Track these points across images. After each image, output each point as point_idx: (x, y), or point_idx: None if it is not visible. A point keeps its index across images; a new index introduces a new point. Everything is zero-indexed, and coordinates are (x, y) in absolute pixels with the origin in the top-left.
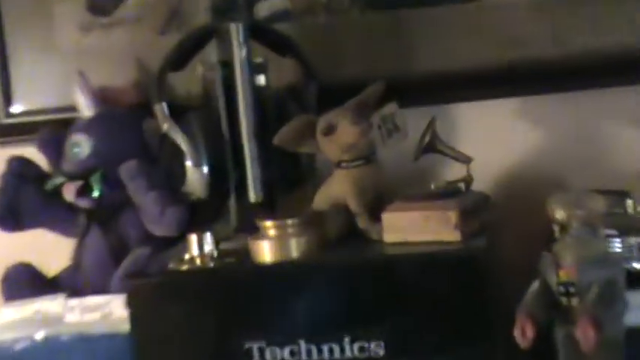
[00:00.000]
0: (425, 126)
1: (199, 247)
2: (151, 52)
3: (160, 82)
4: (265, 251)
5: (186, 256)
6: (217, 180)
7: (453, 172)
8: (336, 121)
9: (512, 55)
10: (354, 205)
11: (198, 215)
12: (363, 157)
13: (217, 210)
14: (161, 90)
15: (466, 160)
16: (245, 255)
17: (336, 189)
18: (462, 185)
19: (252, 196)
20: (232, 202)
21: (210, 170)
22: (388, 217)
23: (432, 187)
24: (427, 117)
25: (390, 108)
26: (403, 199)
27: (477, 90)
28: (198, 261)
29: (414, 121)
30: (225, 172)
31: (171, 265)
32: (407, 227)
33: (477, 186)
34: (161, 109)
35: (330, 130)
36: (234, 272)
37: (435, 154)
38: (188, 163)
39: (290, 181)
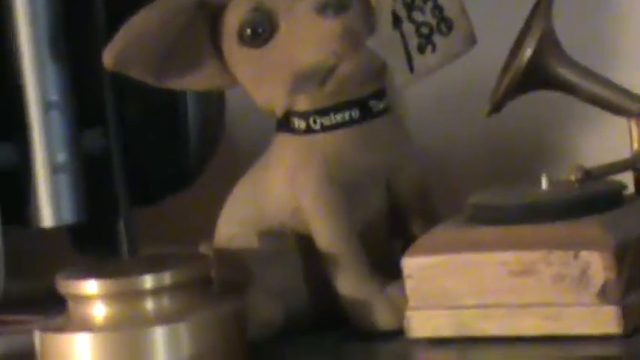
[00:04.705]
0: (522, 17)
1: None
2: None
3: None
4: None
5: None
6: None
7: (596, 143)
8: (276, 6)
9: None
10: (326, 231)
11: None
12: (353, 103)
13: None
14: None
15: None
16: None
17: (278, 190)
18: (620, 184)
19: (49, 212)
20: None
21: None
22: (419, 267)
23: (544, 181)
24: None
25: None
26: (461, 218)
27: None
28: None
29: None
30: None
31: None
32: (471, 293)
33: None
34: None
35: (261, 32)
36: None
37: (550, 91)
38: None
39: (159, 164)
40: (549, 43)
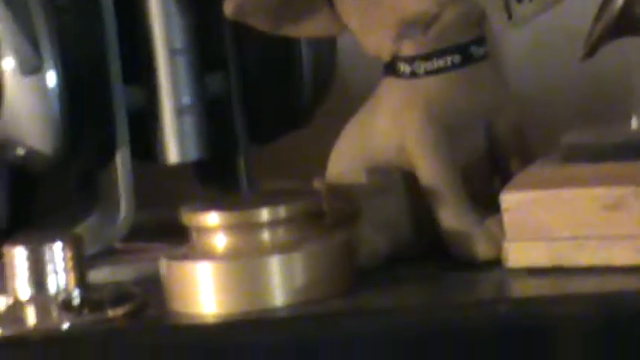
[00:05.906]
0: None
1: (36, 281)
2: None
3: None
4: (204, 288)
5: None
6: (83, 115)
7: None
8: None
9: None
10: (429, 168)
11: (38, 196)
12: (454, 49)
13: (83, 186)
14: None
15: None
16: (153, 298)
17: (384, 129)
18: None
19: (175, 150)
20: (121, 166)
21: (68, 91)
22: (516, 202)
23: (634, 121)
24: None
25: None
26: (556, 157)
27: None
28: (31, 316)
29: None
30: (102, 95)
31: None
32: (566, 225)
33: None
34: None
35: None
36: (127, 342)
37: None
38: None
39: (275, 105)
40: None
